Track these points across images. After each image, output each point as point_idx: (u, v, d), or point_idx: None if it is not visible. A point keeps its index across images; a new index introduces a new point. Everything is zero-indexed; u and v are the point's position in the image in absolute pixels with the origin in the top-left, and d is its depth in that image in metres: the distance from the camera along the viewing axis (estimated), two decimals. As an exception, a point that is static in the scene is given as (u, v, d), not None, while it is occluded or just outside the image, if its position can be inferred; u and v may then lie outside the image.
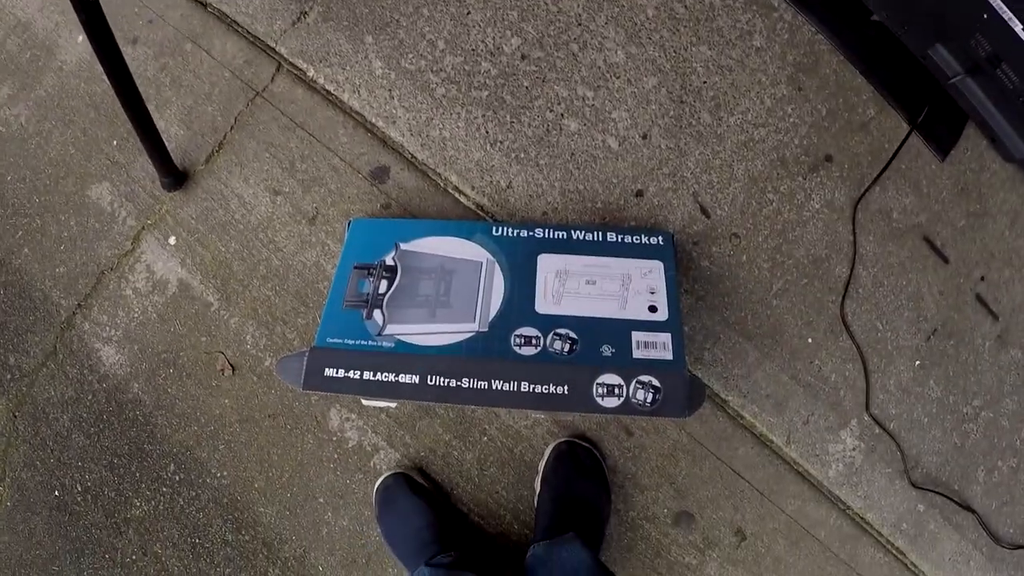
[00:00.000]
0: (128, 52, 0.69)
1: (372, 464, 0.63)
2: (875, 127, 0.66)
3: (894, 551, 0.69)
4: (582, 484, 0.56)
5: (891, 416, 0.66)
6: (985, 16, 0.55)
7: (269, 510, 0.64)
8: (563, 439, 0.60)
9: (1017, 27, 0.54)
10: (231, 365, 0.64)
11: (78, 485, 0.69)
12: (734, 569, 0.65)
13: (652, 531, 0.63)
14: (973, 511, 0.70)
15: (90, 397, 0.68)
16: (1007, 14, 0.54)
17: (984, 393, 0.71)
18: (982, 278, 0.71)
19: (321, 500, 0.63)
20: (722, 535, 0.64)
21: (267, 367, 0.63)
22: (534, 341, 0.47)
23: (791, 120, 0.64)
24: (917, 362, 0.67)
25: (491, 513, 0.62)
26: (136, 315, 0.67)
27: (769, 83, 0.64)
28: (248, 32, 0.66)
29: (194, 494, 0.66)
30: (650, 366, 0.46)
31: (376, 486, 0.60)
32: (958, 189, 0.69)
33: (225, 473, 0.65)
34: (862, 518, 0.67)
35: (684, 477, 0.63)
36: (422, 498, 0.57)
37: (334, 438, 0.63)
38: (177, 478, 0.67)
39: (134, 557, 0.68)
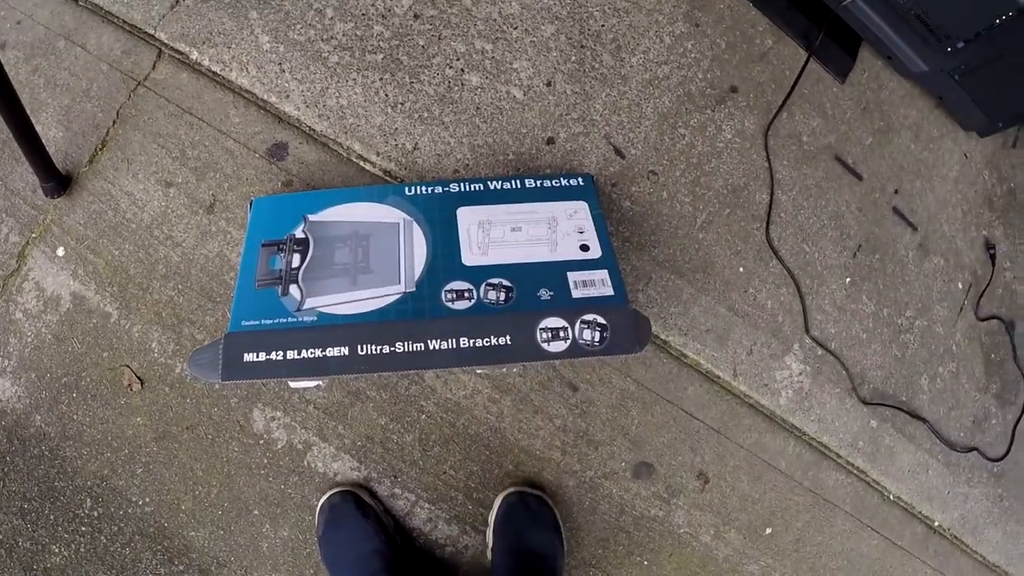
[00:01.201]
0: (-5, 57, 0.64)
1: (306, 463, 0.58)
2: (774, 56, 0.68)
3: (855, 471, 0.69)
4: (536, 536, 0.53)
5: (831, 336, 0.67)
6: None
7: (201, 532, 0.58)
8: (512, 489, 0.57)
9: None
10: (139, 378, 0.58)
11: (-13, 542, 0.61)
12: (702, 514, 0.64)
13: (613, 488, 0.61)
14: (923, 419, 0.71)
15: (-13, 440, 0.61)
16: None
17: (915, 303, 0.73)
18: (896, 191, 0.73)
19: (256, 512, 0.58)
20: (685, 481, 0.63)
21: (178, 375, 0.58)
22: (467, 294, 0.45)
23: (692, 56, 0.65)
24: (847, 279, 0.68)
25: (441, 496, 0.58)
26: (30, 339, 0.60)
27: (666, 21, 0.64)
28: (124, 22, 0.62)
29: (116, 528, 0.59)
30: (592, 304, 0.44)
31: (320, 503, 0.55)
32: (861, 108, 0.72)
33: (147, 499, 0.59)
34: (819, 442, 0.67)
35: (637, 426, 0.61)
36: (370, 521, 0.53)
37: (261, 441, 0.58)
38: (95, 514, 0.60)
39: (57, 611, 0.60)
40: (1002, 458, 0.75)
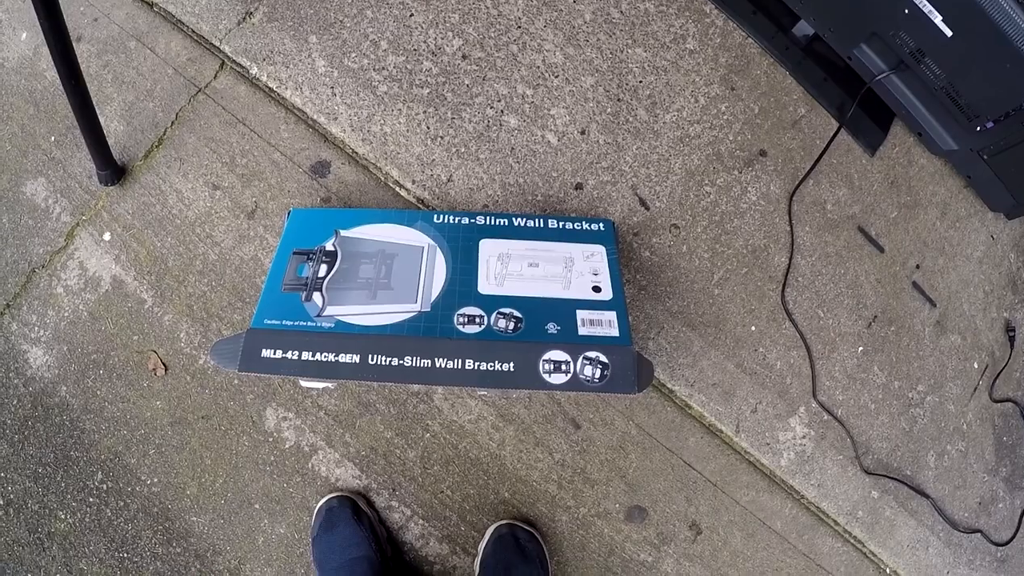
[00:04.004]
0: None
1: (311, 466, 0.60)
2: (806, 124, 0.69)
3: (852, 540, 0.68)
4: (522, 572, 0.53)
5: (838, 402, 0.67)
6: (906, 11, 0.58)
7: (202, 519, 0.61)
8: (503, 522, 0.57)
9: (936, 19, 0.57)
10: (164, 364, 0.62)
11: (0, 499, 0.64)
12: (691, 565, 0.63)
13: (605, 528, 0.62)
14: (927, 496, 0.70)
15: (15, 402, 0.65)
16: (927, 7, 0.56)
17: (928, 378, 0.72)
18: (917, 266, 0.73)
19: (257, 506, 0.60)
20: (677, 529, 0.63)
21: (201, 365, 0.61)
22: (478, 320, 0.47)
23: (725, 117, 0.66)
24: (860, 348, 0.68)
25: (436, 514, 0.60)
26: (66, 314, 0.64)
27: (703, 83, 0.67)
28: (193, 31, 0.66)
29: (122, 504, 0.62)
30: (597, 342, 0.45)
31: (319, 505, 0.57)
32: (889, 182, 0.72)
33: (155, 480, 0.61)
34: (817, 507, 0.67)
35: (635, 470, 0.62)
36: (364, 528, 0.54)
37: (270, 439, 0.60)
38: (105, 487, 0.63)
39: (58, 575, 0.63)
40: (1007, 543, 0.73)
